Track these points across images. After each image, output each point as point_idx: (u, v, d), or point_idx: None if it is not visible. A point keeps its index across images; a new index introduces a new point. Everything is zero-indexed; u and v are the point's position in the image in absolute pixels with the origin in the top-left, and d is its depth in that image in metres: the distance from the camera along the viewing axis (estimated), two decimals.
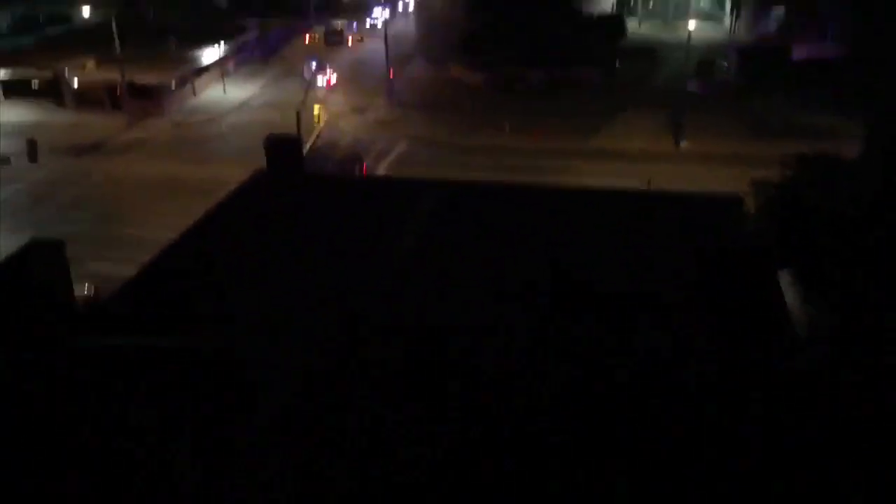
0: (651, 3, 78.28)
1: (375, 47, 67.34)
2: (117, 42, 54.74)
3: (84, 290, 31.21)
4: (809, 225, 24.74)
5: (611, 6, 76.29)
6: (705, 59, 63.53)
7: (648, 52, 67.55)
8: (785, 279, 20.94)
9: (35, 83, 59.55)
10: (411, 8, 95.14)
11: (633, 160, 47.32)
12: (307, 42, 75.82)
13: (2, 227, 40.94)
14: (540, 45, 63.52)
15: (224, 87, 64.56)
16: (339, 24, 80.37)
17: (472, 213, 19.85)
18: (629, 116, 55.17)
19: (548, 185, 31.52)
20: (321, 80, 62.79)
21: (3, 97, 59.63)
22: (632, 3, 78.24)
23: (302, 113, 45.34)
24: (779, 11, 67.09)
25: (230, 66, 68.17)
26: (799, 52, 60.58)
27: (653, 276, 16.34)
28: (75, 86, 58.86)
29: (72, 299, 14.80)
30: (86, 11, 73.07)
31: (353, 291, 15.71)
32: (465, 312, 15.20)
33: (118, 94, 57.49)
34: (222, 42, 66.45)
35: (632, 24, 72.86)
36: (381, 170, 47.75)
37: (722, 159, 46.86)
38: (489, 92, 61.64)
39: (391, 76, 61.03)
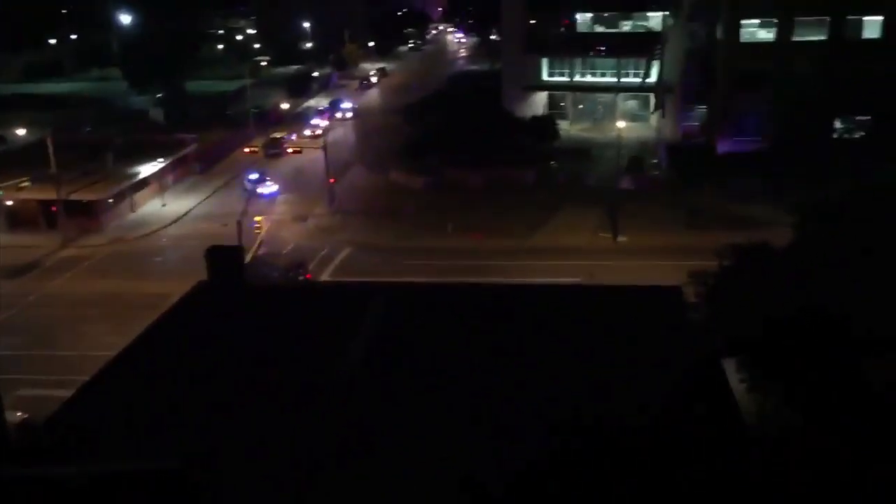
0: (581, 105, 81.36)
1: (315, 156, 68.23)
2: (52, 160, 54.37)
3: (16, 415, 29.86)
4: (750, 313, 25.25)
5: (543, 108, 79.02)
6: (636, 156, 65.90)
7: (581, 152, 69.82)
8: (730, 367, 21.19)
9: None
10: (349, 115, 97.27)
11: (574, 256, 48.13)
12: (247, 153, 76.46)
13: None
14: (477, 147, 65.19)
15: (163, 201, 64.28)
16: (278, 135, 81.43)
17: (418, 315, 19.79)
18: (567, 214, 56.44)
19: (493, 284, 31.76)
20: (261, 191, 63.06)
21: None
22: (562, 105, 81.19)
23: (243, 223, 45.29)
24: (700, 110, 70.42)
25: (169, 179, 68.10)
26: (722, 147, 63.37)
27: (601, 371, 16.37)
28: (9, 206, 57.91)
29: (3, 426, 14.10)
30: (21, 132, 72.80)
31: (301, 408, 15.33)
32: (415, 433, 14.94)
33: (54, 212, 56.68)
34: (160, 156, 66.55)
35: (564, 126, 75.47)
36: (325, 276, 47.59)
37: (659, 252, 47.99)
38: (429, 195, 62.62)
39: (331, 183, 61.68)
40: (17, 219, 58.34)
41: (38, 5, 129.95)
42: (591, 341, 17.72)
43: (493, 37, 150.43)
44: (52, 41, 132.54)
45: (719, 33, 65.77)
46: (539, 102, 79.94)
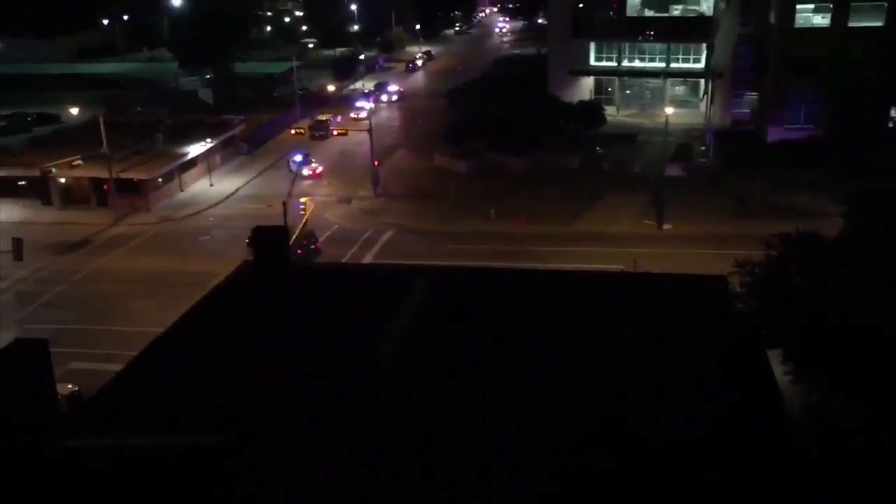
0: (628, 91, 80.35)
1: (360, 139, 68.54)
2: (104, 140, 55.46)
3: (67, 388, 30.71)
4: (796, 304, 24.83)
5: (589, 94, 78.22)
6: (683, 143, 64.94)
7: (627, 138, 69.03)
8: (775, 359, 20.90)
9: (22, 182, 59.95)
10: (395, 98, 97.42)
11: (617, 243, 47.73)
12: (293, 135, 77.18)
13: None
14: (521, 132, 64.84)
15: (210, 181, 65.20)
16: (324, 116, 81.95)
17: (459, 299, 19.82)
18: (611, 200, 55.95)
19: (534, 269, 31.64)
20: (307, 172, 63.58)
21: None
22: (609, 90, 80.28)
23: (288, 204, 45.74)
24: (751, 96, 69.05)
25: (217, 159, 69.03)
26: (773, 135, 62.12)
27: (643, 361, 16.25)
28: (62, 184, 59.31)
29: (55, 398, 14.52)
30: (74, 111, 74.34)
31: (342, 387, 15.49)
32: (457, 406, 15.00)
33: (105, 190, 57.90)
34: (209, 137, 67.46)
35: (610, 111, 74.66)
36: (368, 258, 47.91)
37: (705, 240, 47.36)
38: (473, 179, 62.54)
39: (376, 166, 61.92)
40: (70, 196, 59.73)
41: None
42: (633, 330, 17.59)
43: (539, 21, 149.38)
44: (105, 22, 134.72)
45: (772, 18, 64.33)
46: (585, 87, 79.12)
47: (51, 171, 56.45)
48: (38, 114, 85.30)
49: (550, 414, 14.40)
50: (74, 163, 56.22)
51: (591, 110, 70.98)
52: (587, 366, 16.08)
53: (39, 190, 59.45)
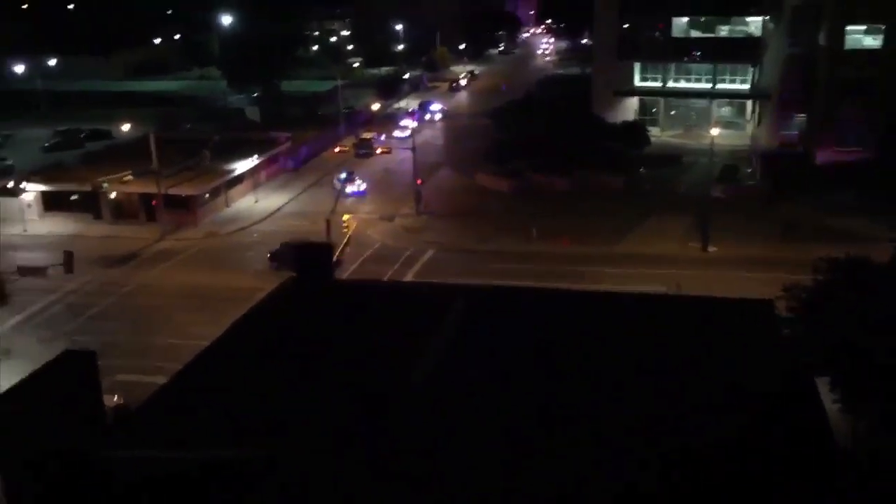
0: (673, 111, 79.81)
1: (403, 157, 69.06)
2: (154, 156, 56.66)
3: (113, 399, 31.25)
4: (845, 330, 24.30)
5: (633, 114, 77.90)
6: (729, 164, 64.22)
7: (672, 159, 68.49)
8: (822, 386, 20.45)
9: (74, 197, 61.47)
10: (438, 117, 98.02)
11: (661, 265, 47.26)
12: (337, 153, 77.94)
13: (36, 337, 41.49)
14: (565, 152, 64.74)
15: (256, 198, 66.16)
16: (368, 135, 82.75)
17: (499, 319, 19.78)
18: (655, 222, 55.46)
19: (576, 290, 31.43)
20: (350, 190, 64.18)
21: (43, 210, 61.50)
22: (654, 111, 79.85)
23: (332, 221, 46.18)
24: (800, 118, 68.11)
25: (262, 176, 70.05)
26: (822, 157, 61.13)
27: (685, 386, 16.02)
28: (113, 199, 60.67)
29: (101, 409, 14.79)
30: (126, 127, 76.10)
31: (379, 405, 15.53)
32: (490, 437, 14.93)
33: (154, 205, 59.08)
34: (255, 154, 68.51)
35: (655, 132, 74.21)
36: (409, 276, 48.08)
37: (751, 263, 46.66)
38: (515, 199, 62.53)
39: (419, 184, 62.24)
40: (120, 211, 61.05)
41: (146, 6, 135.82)
42: (676, 354, 17.36)
43: (584, 41, 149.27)
44: (158, 41, 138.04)
45: (822, 39, 63.46)
46: (630, 108, 78.81)
47: (102, 187, 57.79)
48: (91, 130, 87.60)
49: (589, 440, 14.26)
50: (125, 178, 57.51)
51: (636, 131, 70.66)
52: (628, 389, 15.90)
53: (91, 204, 60.87)
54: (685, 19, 75.42)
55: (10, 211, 60.41)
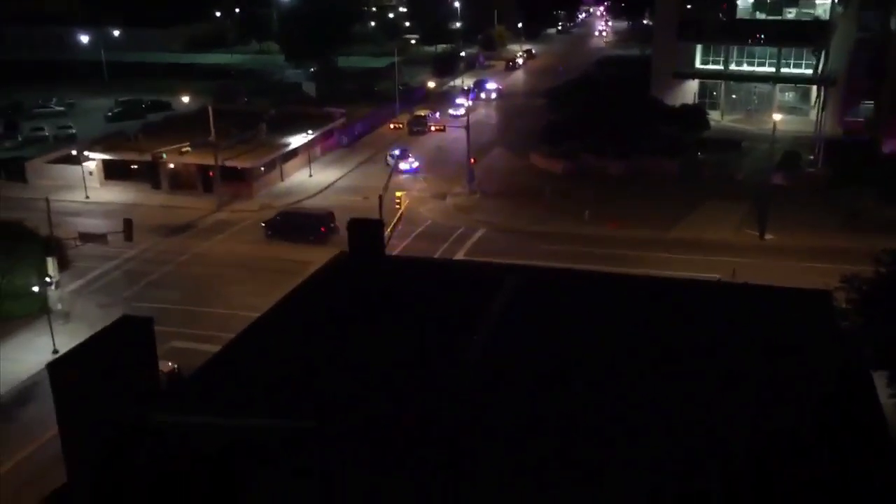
0: (734, 95, 77.95)
1: (457, 135, 68.84)
2: (212, 128, 57.47)
3: (168, 365, 32.03)
4: None
5: (693, 97, 76.31)
6: (791, 151, 62.61)
7: (731, 144, 66.99)
8: (880, 381, 19.93)
9: (134, 166, 62.79)
10: (493, 96, 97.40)
11: (715, 252, 46.45)
12: (392, 129, 78.14)
13: (95, 302, 42.65)
14: (620, 135, 63.82)
15: (310, 172, 66.72)
16: (422, 112, 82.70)
17: (549, 300, 19.67)
18: (711, 207, 54.45)
19: (627, 274, 31.09)
20: (404, 167, 64.30)
21: (104, 178, 62.95)
22: (714, 94, 78.09)
23: (384, 197, 46.36)
24: (867, 105, 65.95)
25: (317, 151, 70.58)
26: (889, 146, 59.16)
27: (738, 376, 15.75)
28: (171, 169, 61.81)
29: (156, 375, 15.13)
30: (185, 99, 77.35)
31: (430, 380, 15.61)
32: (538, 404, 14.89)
33: (210, 177, 60.01)
34: (310, 128, 69.02)
35: (714, 116, 72.63)
36: (460, 255, 48.09)
37: (810, 253, 45.58)
38: (569, 180, 61.96)
39: (472, 163, 62.05)
40: (178, 181, 62.16)
41: None
42: (729, 343, 17.05)
43: (644, 21, 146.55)
44: (218, 14, 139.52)
45: (893, 23, 61.17)
46: (689, 91, 77.20)
47: (161, 157, 58.87)
48: (152, 101, 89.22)
49: (637, 426, 14.12)
50: (184, 149, 58.48)
51: (694, 114, 69.26)
52: (676, 378, 15.69)
53: (150, 174, 62.10)
54: (750, 0, 73.43)
55: (72, 178, 61.98)
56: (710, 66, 76.97)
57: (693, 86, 77.66)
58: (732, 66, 76.00)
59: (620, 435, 13.78)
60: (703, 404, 14.65)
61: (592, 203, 54.10)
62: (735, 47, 74.98)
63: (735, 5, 73.07)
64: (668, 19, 75.25)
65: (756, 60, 75.13)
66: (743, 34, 73.13)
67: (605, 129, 64.29)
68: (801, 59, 72.24)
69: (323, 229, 50.36)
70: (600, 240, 49.35)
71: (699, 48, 76.45)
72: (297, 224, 51.48)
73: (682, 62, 75.93)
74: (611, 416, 14.34)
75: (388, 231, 42.27)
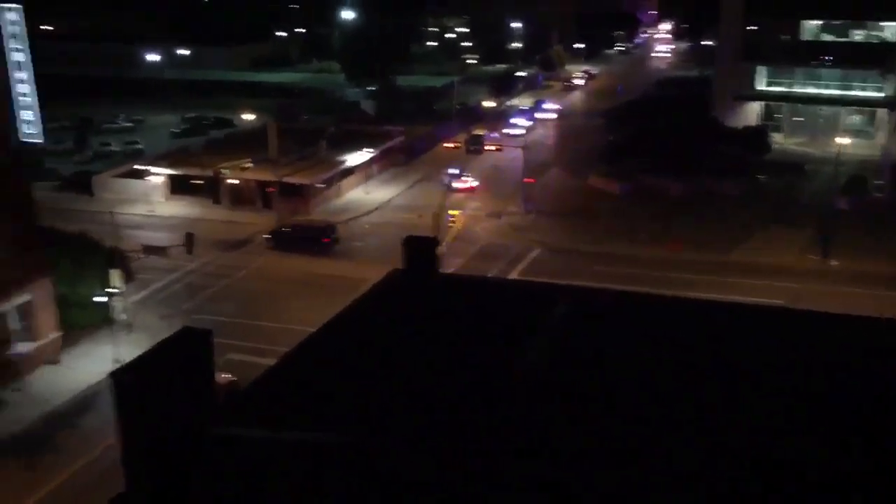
0: (798, 118, 76.47)
1: (514, 155, 68.86)
2: (272, 145, 58.51)
3: (224, 377, 32.51)
4: None
5: (755, 119, 75.11)
6: (857, 175, 61.03)
7: (795, 167, 65.63)
8: None
9: (197, 181, 64.27)
10: (551, 116, 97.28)
11: (778, 277, 45.41)
12: (448, 148, 78.49)
13: (157, 313, 43.62)
14: (680, 156, 63.06)
15: (367, 189, 67.39)
16: (480, 131, 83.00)
17: (604, 323, 19.40)
18: (773, 231, 53.31)
19: (686, 298, 30.52)
20: (459, 185, 64.51)
21: (169, 192, 64.56)
22: (777, 116, 76.70)
23: (439, 216, 46.56)
24: None
25: (374, 168, 71.29)
26: None
27: (806, 404, 15.26)
28: (231, 185, 63.08)
29: (214, 386, 15.33)
30: (248, 117, 79.05)
31: (474, 402, 15.50)
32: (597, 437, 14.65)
33: (270, 193, 61.08)
34: (368, 146, 69.78)
35: (777, 138, 71.34)
36: (514, 274, 47.92)
37: (877, 280, 44.24)
38: (626, 201, 61.37)
39: (528, 183, 61.95)
40: (238, 197, 63.39)
41: (272, 2, 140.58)
42: (793, 374, 16.54)
43: (706, 42, 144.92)
44: (281, 34, 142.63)
45: None
46: (751, 112, 76.05)
47: (223, 173, 60.14)
48: (216, 118, 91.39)
49: (700, 462, 13.76)
50: (244, 166, 59.66)
51: (757, 136, 68.23)
52: (740, 410, 15.24)
53: (211, 189, 63.47)
54: (817, 22, 72.10)
55: (138, 192, 63.70)
56: (774, 88, 75.78)
57: (756, 107, 76.54)
58: (797, 89, 74.63)
59: (686, 466, 13.45)
60: (773, 441, 14.20)
61: (650, 224, 53.45)
62: (800, 69, 73.66)
63: (801, 27, 71.87)
64: (732, 40, 74.41)
65: (822, 83, 73.68)
66: (808, 56, 71.85)
67: (664, 149, 63.62)
68: (868, 82, 70.59)
69: (325, 240, 52.20)
70: (658, 262, 48.68)
71: (763, 70, 75.33)
72: (300, 235, 53.04)
73: (745, 83, 74.93)
74: (672, 447, 14.01)
75: (442, 249, 42.38)
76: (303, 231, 53.70)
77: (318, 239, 52.10)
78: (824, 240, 48.80)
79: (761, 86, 76.16)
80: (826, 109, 74.35)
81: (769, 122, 75.84)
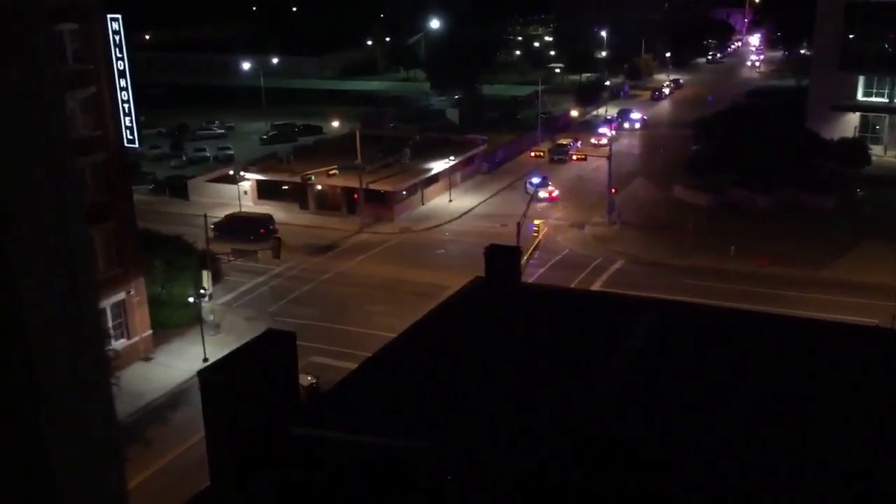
0: None
1: (598, 165, 68.12)
2: (358, 152, 59.49)
3: (307, 379, 33.16)
4: None
5: (853, 131, 72.30)
6: None
7: (895, 181, 62.88)
8: None
9: (284, 186, 65.85)
10: (637, 126, 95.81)
11: (873, 295, 43.52)
12: (532, 157, 78.16)
13: (243, 315, 44.85)
14: (771, 168, 61.19)
15: (450, 197, 67.74)
16: (564, 141, 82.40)
17: (690, 337, 18.99)
18: (870, 247, 51.14)
19: (775, 314, 29.58)
20: (543, 195, 64.14)
21: (258, 197, 66.34)
22: (877, 128, 73.66)
23: (522, 225, 46.40)
24: None
25: (458, 177, 71.62)
26: None
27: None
28: (318, 191, 64.38)
29: (297, 388, 15.69)
30: (335, 124, 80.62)
31: (561, 412, 15.39)
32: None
33: (355, 199, 62.07)
34: (452, 154, 70.17)
35: (877, 151, 68.49)
36: (597, 285, 47.34)
37: None
38: (714, 214, 59.88)
39: (612, 193, 61.15)
40: (324, 202, 64.66)
41: (360, 11, 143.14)
42: (887, 396, 15.86)
43: (801, 51, 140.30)
44: (369, 43, 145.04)
45: None
46: (849, 124, 73.23)
47: (310, 179, 61.45)
48: (304, 125, 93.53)
49: (781, 480, 13.34)
50: (331, 172, 60.82)
51: (855, 149, 65.60)
52: (830, 431, 14.70)
53: (298, 195, 64.92)
54: None
55: (229, 196, 65.66)
56: (874, 99, 72.78)
57: (853, 119, 73.68)
58: None
59: (751, 485, 13.07)
60: (854, 464, 13.66)
61: (738, 238, 52.02)
62: None
63: None
64: (828, 49, 71.90)
65: None
66: None
67: (754, 161, 61.83)
68: None
69: (262, 230, 54.71)
70: (746, 276, 47.33)
71: (862, 79, 72.47)
72: (240, 226, 55.67)
73: (843, 93, 72.23)
74: (742, 463, 13.62)
75: (524, 258, 42.22)
76: (243, 222, 56.80)
77: (255, 230, 55.01)
78: None
79: (860, 96, 73.29)
80: None
81: (868, 134, 72.88)
